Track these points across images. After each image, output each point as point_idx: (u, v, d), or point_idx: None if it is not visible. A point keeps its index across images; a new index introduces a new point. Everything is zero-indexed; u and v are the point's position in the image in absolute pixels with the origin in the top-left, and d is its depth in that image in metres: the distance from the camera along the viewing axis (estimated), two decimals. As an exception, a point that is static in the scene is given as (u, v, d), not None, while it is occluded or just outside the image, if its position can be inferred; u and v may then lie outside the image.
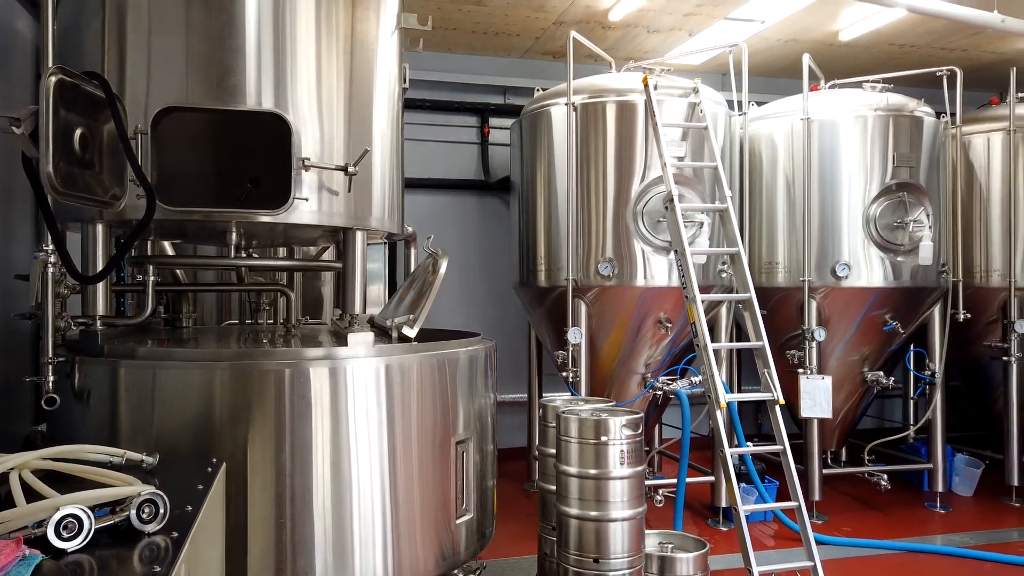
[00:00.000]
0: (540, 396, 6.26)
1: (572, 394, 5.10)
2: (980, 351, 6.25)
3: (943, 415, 5.90)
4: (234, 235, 3.33)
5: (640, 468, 3.41)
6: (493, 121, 7.26)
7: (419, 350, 3.10)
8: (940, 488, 5.86)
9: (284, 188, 2.94)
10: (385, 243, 6.09)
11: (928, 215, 5.64)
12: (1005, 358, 5.99)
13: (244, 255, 3.94)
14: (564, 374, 5.30)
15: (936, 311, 5.92)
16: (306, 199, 2.99)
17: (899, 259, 5.60)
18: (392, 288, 6.47)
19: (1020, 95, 6.06)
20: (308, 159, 2.96)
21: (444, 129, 7.19)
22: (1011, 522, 5.64)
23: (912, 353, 6.06)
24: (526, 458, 6.56)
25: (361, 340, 2.98)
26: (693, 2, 5.84)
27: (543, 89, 5.94)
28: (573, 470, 3.39)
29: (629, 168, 5.25)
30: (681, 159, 5.16)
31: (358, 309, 3.23)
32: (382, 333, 3.32)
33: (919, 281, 5.66)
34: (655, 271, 5.22)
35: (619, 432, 3.35)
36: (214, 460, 2.53)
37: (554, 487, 3.57)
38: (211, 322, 5.02)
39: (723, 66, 6.35)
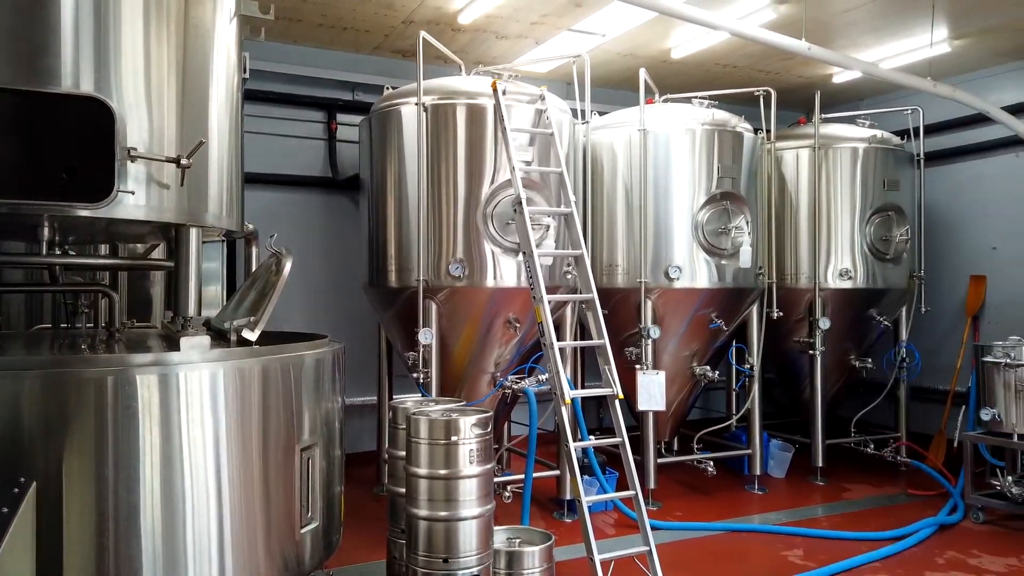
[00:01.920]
0: (390, 398, 6.19)
1: (423, 395, 5.08)
2: (790, 346, 6.96)
3: (760, 405, 6.50)
4: (47, 230, 3.02)
5: (489, 466, 3.47)
6: (341, 117, 7.07)
7: (261, 354, 2.96)
8: (758, 471, 6.46)
9: (107, 180, 2.71)
10: (224, 241, 5.75)
11: (747, 222, 6.18)
12: (811, 352, 6.70)
13: (59, 252, 3.58)
14: (415, 375, 5.27)
15: (754, 310, 6.51)
16: (132, 192, 2.77)
17: (723, 262, 6.09)
18: (231, 289, 6.14)
19: (823, 116, 6.82)
20: (135, 149, 2.74)
21: (290, 123, 6.91)
22: (816, 499, 6.31)
23: (734, 349, 6.62)
24: (376, 462, 6.46)
25: (195, 344, 2.80)
26: (539, 12, 6.02)
27: (393, 87, 5.88)
28: (423, 471, 3.39)
29: (479, 170, 5.32)
30: (529, 164, 5.31)
31: (192, 311, 3.04)
32: (220, 336, 3.14)
33: (740, 282, 6.20)
34: (504, 272, 5.33)
35: (469, 431, 3.40)
36: (22, 480, 2.29)
37: (404, 490, 3.55)
38: (19, 327, 4.53)
39: (568, 75, 6.61)
